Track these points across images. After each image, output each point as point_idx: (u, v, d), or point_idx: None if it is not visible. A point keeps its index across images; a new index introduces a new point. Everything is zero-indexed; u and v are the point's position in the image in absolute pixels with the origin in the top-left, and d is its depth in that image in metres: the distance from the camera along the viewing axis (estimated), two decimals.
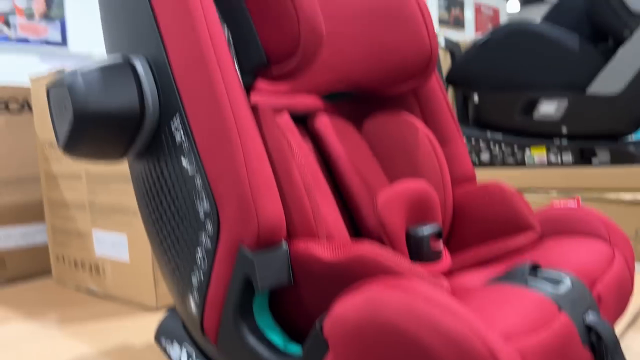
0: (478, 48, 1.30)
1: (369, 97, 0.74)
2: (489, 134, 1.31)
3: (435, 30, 0.71)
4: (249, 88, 0.61)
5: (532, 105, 1.26)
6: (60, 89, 0.50)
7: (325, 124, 0.69)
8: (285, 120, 0.64)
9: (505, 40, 1.26)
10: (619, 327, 0.64)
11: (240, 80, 0.52)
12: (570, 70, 1.20)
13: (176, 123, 0.50)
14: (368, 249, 0.44)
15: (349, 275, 0.45)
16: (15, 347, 0.83)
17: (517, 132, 1.29)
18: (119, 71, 0.50)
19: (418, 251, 0.56)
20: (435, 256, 0.57)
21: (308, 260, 0.46)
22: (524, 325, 0.41)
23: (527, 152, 1.27)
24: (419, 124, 0.71)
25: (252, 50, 0.53)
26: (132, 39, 0.54)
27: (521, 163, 1.28)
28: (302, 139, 0.67)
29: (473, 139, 1.34)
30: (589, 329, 0.47)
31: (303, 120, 0.71)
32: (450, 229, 0.70)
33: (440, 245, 0.58)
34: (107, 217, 1.02)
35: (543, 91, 1.23)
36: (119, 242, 1.01)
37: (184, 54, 0.48)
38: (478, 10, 9.27)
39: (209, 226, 0.48)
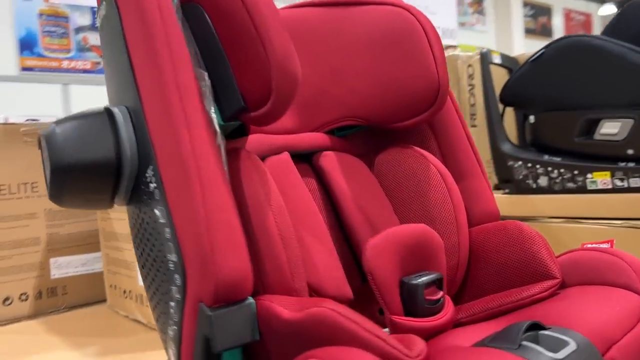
0: (530, 65, 1.21)
1: (383, 129, 0.70)
2: (546, 157, 1.22)
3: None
4: (240, 131, 0.60)
5: (592, 126, 1.15)
6: (42, 139, 0.51)
7: (330, 161, 0.66)
8: (283, 160, 0.62)
9: (560, 55, 1.17)
10: None
11: (214, 126, 0.51)
12: (635, 87, 1.09)
13: (150, 172, 0.49)
14: (328, 308, 0.41)
15: (307, 334, 0.42)
16: None
17: (577, 155, 1.18)
18: (95, 121, 0.50)
19: (412, 303, 0.52)
20: (432, 309, 0.53)
21: (270, 318, 0.44)
22: None
23: (589, 176, 1.16)
24: (431, 158, 0.67)
25: (230, 95, 0.51)
26: (119, 90, 0.54)
27: (582, 189, 1.17)
28: (306, 178, 0.65)
29: (530, 163, 1.25)
30: None
31: (311, 158, 0.69)
32: (467, 273, 0.65)
33: (439, 295, 0.54)
34: None
35: (604, 110, 1.13)
36: None
37: (154, 103, 0.48)
38: (568, 16, 8.81)
39: (178, 279, 0.47)
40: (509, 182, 1.29)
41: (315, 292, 0.56)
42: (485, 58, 1.34)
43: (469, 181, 0.69)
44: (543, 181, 1.23)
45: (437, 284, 0.55)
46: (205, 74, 0.52)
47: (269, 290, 0.48)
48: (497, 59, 1.41)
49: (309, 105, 0.69)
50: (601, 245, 0.61)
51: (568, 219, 1.17)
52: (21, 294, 1.26)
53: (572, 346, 0.44)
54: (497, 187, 1.35)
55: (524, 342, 0.44)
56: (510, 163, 1.27)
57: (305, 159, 0.68)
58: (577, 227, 1.15)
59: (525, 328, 0.45)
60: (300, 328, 0.42)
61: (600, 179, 1.15)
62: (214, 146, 0.48)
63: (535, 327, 0.47)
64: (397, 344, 0.41)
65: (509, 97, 1.29)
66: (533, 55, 1.22)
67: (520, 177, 1.26)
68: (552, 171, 1.21)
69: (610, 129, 1.13)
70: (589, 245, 0.62)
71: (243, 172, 0.51)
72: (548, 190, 1.22)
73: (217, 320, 0.43)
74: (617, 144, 1.12)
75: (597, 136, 1.15)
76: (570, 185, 1.19)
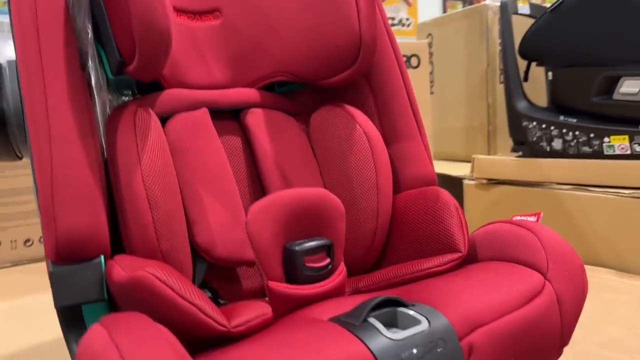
0: (549, 15, 1.09)
1: (322, 87, 0.66)
2: (561, 118, 1.11)
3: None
4: (147, 84, 0.58)
5: (611, 84, 1.03)
6: None
7: (256, 118, 0.64)
8: (196, 116, 0.60)
9: (580, 4, 1.04)
10: None
11: (90, 80, 0.50)
12: None
13: (26, 126, 0.49)
14: (147, 272, 0.40)
15: (132, 297, 0.42)
16: (24, 317, 0.92)
17: (594, 116, 1.07)
18: None
19: (291, 269, 0.50)
20: (313, 277, 0.50)
21: (109, 278, 0.44)
22: None
23: (606, 140, 1.05)
24: (360, 118, 0.63)
25: (110, 48, 0.50)
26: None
27: (599, 154, 1.07)
28: (230, 136, 0.63)
29: (544, 124, 1.14)
30: None
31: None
32: (388, 240, 0.61)
33: (324, 262, 0.51)
34: None
35: (625, 67, 1.00)
36: None
37: (20, 55, 0.48)
38: None
39: (43, 234, 0.47)
40: (523, 144, 1.20)
41: (205, 253, 0.55)
42: (505, 8, 1.23)
43: (403, 143, 0.64)
44: (557, 144, 1.13)
45: (327, 250, 0.52)
46: (90, 26, 0.51)
47: (134, 251, 0.48)
48: (523, 9, 1.29)
49: (243, 59, 0.66)
50: (529, 219, 0.55)
51: (576, 186, 1.07)
52: (41, 237, 1.35)
53: (421, 326, 0.40)
54: (513, 150, 1.26)
55: (370, 319, 0.41)
56: (525, 123, 1.18)
57: (235, 116, 0.65)
58: (584, 195, 1.05)
59: (376, 304, 0.42)
60: (125, 290, 0.42)
61: (618, 143, 1.04)
62: (76, 101, 0.47)
63: (397, 303, 0.43)
64: (213, 313, 0.40)
65: (527, 50, 1.18)
66: (552, 5, 1.10)
67: (534, 138, 1.17)
68: (566, 133, 1.11)
69: (631, 87, 1.01)
70: (518, 218, 0.56)
71: (119, 130, 0.50)
72: (562, 154, 1.12)
73: (56, 277, 0.43)
74: (637, 105, 1.01)
75: (616, 96, 1.04)
76: (586, 149, 1.09)
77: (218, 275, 0.57)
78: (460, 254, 0.52)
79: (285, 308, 0.49)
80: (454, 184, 1.34)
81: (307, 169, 0.64)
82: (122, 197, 0.48)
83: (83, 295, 0.44)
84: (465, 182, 1.27)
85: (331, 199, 0.53)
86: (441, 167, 1.43)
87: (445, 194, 0.57)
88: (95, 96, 0.50)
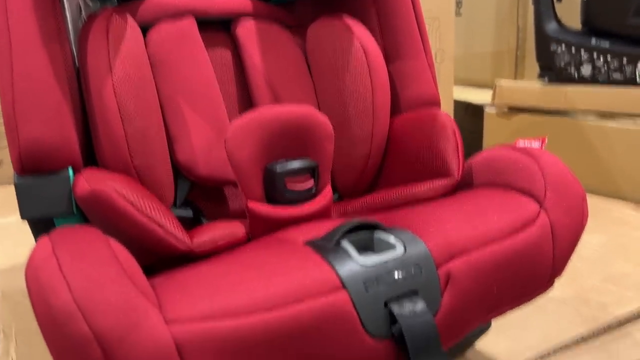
0: None
1: None
2: (593, 41, 1.03)
3: None
4: None
5: None
6: None
7: (247, 30, 0.60)
8: (181, 26, 0.56)
9: None
10: None
11: None
12: None
13: None
14: (110, 187, 0.38)
15: (93, 211, 0.40)
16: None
17: (629, 39, 0.99)
18: None
19: (272, 190, 0.47)
20: (295, 198, 0.48)
21: (73, 192, 0.42)
22: (238, 303, 0.32)
23: None
24: (359, 32, 0.58)
25: None
26: None
27: (631, 80, 0.99)
28: (219, 48, 0.60)
29: (573, 48, 1.06)
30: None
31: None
32: (383, 163, 0.58)
33: (307, 184, 0.48)
34: None
35: None
36: None
37: None
38: None
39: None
40: (550, 69, 1.13)
41: (186, 171, 0.53)
42: None
43: (406, 61, 0.59)
44: (586, 70, 1.05)
45: (312, 172, 0.49)
46: None
47: (106, 166, 0.46)
48: None
49: None
50: (533, 144, 0.51)
51: (602, 116, 1.01)
52: None
53: (396, 252, 0.38)
54: (540, 77, 1.19)
55: (343, 243, 0.38)
56: (553, 47, 1.10)
57: (226, 27, 0.61)
58: (610, 125, 0.99)
59: (351, 227, 0.39)
60: (88, 205, 0.40)
61: None
62: (39, 5, 0.43)
63: (376, 227, 0.41)
64: (175, 230, 0.38)
65: None
66: None
67: (562, 64, 1.09)
68: (597, 58, 1.03)
69: None
70: (521, 143, 0.52)
71: (90, 35, 0.47)
72: (591, 80, 1.05)
73: (20, 189, 0.42)
74: None
75: None
76: (617, 76, 1.01)
77: (203, 195, 0.56)
78: (453, 179, 0.49)
79: (265, 229, 0.47)
80: (475, 112, 1.28)
81: (299, 86, 0.60)
82: (92, 108, 0.46)
83: (48, 208, 0.42)
84: (486, 110, 1.21)
85: (318, 117, 0.50)
86: (462, 94, 1.36)
87: (443, 117, 0.53)
88: (65, 1, 0.47)
